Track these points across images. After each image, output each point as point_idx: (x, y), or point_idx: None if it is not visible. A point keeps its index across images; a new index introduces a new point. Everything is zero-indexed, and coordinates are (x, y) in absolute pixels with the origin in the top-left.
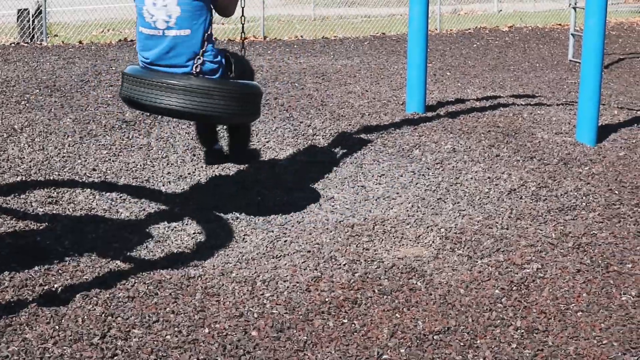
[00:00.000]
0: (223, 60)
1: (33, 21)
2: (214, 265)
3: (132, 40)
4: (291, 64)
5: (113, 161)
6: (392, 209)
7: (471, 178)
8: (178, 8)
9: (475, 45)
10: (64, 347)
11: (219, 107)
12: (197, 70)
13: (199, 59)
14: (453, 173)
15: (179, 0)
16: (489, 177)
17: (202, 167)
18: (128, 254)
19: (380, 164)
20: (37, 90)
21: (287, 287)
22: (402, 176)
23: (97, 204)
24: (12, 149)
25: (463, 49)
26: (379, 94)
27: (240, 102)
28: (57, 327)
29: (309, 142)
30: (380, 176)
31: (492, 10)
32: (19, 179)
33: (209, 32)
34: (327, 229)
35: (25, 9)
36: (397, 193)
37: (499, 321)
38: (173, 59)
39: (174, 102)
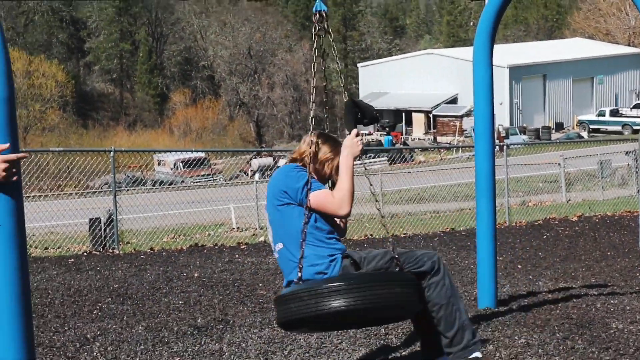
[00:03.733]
0: None
1: (105, 230)
2: None
3: (202, 245)
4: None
5: None
6: None
7: None
8: (270, 226)
9: (545, 236)
10: None
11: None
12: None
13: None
14: None
15: (269, 219)
16: None
17: None
18: None
19: None
20: (109, 299)
21: None
22: None
23: None
24: (85, 358)
25: (533, 240)
26: None
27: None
28: None
29: (381, 341)
30: None
31: (560, 200)
32: None
33: None
34: None
35: (97, 218)
36: None
37: None
38: (285, 274)
39: None
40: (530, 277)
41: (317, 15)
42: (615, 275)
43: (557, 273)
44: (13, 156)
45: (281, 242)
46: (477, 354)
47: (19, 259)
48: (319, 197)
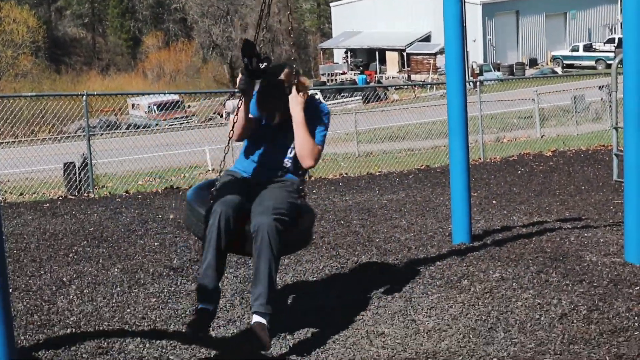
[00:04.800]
0: None
1: (79, 174)
2: None
3: (177, 188)
4: (337, 202)
5: (162, 309)
6: (443, 341)
7: (521, 305)
8: None
9: (519, 171)
10: None
11: None
12: None
13: None
14: (503, 301)
15: None
16: (539, 303)
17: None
18: None
19: (429, 297)
20: (85, 242)
21: None
22: (451, 307)
23: (147, 352)
24: (62, 301)
25: (507, 176)
26: (425, 227)
27: None
28: None
29: (357, 278)
30: (429, 309)
31: (535, 135)
32: (68, 331)
33: None
34: None
35: (72, 162)
36: (448, 325)
37: None
38: None
39: None
40: (505, 212)
41: None
42: (590, 208)
43: (532, 208)
44: None
45: None
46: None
47: None
48: None
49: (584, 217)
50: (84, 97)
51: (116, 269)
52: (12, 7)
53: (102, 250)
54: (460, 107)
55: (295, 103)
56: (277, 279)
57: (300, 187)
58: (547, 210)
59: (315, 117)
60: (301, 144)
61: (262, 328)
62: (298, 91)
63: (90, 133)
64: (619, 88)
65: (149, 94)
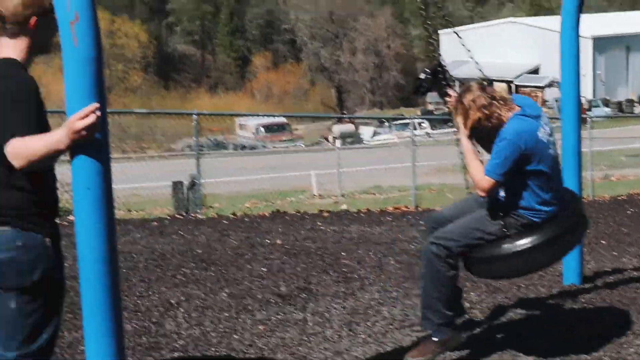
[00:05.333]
0: None
1: (188, 193)
2: None
3: (285, 212)
4: None
5: (269, 337)
6: None
7: (634, 352)
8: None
9: (629, 211)
10: None
11: None
12: None
13: None
14: (614, 347)
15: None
16: None
17: (359, 342)
18: None
19: (539, 340)
20: (193, 264)
21: None
22: (562, 351)
23: None
24: (169, 324)
25: (617, 215)
26: None
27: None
28: None
29: (466, 316)
30: (540, 349)
31: None
32: (176, 354)
33: None
34: None
35: (180, 182)
36: None
37: None
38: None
39: None
40: (615, 253)
41: None
42: None
43: None
44: (89, 112)
45: None
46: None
47: (107, 225)
48: None
49: None
50: (195, 116)
51: (224, 294)
52: (124, 21)
53: (210, 273)
54: (575, 143)
55: (459, 131)
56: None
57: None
58: None
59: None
60: (470, 174)
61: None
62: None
63: (199, 152)
64: None
65: (258, 115)
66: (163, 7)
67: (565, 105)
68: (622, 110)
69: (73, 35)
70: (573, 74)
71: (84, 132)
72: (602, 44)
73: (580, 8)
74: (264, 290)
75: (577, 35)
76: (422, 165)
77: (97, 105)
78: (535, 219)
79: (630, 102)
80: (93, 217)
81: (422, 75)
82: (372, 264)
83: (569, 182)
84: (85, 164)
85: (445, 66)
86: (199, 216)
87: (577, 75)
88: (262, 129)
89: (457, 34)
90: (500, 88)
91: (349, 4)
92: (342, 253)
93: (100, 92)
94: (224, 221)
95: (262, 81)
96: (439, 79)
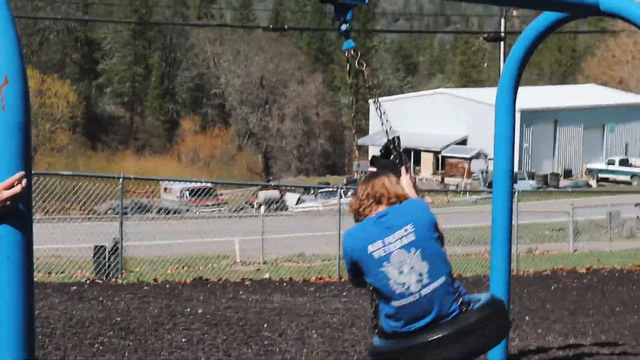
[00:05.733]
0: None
1: (109, 258)
2: None
3: (207, 280)
4: (367, 307)
5: None
6: None
7: None
8: (425, 262)
9: (552, 287)
10: None
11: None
12: (464, 308)
13: (459, 296)
14: None
15: (422, 255)
16: None
17: None
18: None
19: None
20: (111, 332)
21: None
22: None
23: None
24: None
25: (541, 291)
26: None
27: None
28: None
29: None
30: None
31: (567, 249)
32: None
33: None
34: None
35: (102, 246)
36: None
37: None
38: (438, 312)
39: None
40: (539, 330)
41: (350, 52)
42: (625, 333)
43: (567, 328)
44: (15, 182)
45: (443, 276)
46: None
47: (25, 297)
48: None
49: (620, 342)
50: (120, 179)
51: None
52: (54, 81)
53: (128, 342)
54: (506, 219)
55: None
56: None
57: None
58: (582, 332)
59: None
60: None
61: None
62: None
63: (122, 216)
64: None
65: (184, 181)
66: (94, 67)
67: (497, 180)
68: (547, 184)
69: (1, 99)
70: (507, 150)
71: (8, 203)
72: (530, 117)
73: (517, 85)
74: None
75: (513, 112)
76: None
77: (23, 173)
78: (386, 329)
79: (556, 175)
80: (12, 287)
81: (378, 153)
82: (294, 336)
83: (499, 256)
84: (7, 234)
85: (397, 142)
86: (119, 281)
87: (511, 151)
88: (187, 193)
89: (375, 103)
90: (427, 158)
91: (280, 70)
92: (264, 324)
93: (27, 160)
94: (145, 287)
95: (190, 145)
96: (393, 155)
